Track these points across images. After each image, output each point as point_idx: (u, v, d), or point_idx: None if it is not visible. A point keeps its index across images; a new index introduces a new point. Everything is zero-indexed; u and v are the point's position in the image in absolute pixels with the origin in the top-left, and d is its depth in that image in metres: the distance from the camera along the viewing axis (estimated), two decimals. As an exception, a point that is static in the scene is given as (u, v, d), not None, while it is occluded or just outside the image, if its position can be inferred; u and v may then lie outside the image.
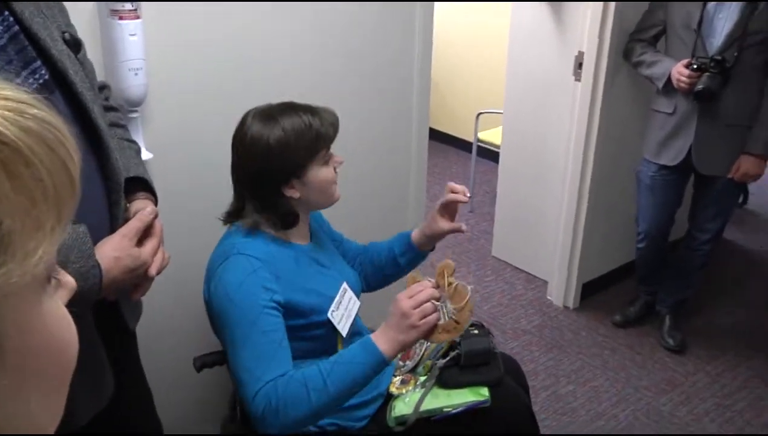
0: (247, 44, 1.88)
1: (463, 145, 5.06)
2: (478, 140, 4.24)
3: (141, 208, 1.21)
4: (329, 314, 1.57)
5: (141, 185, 1.30)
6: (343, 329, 1.60)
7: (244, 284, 1.44)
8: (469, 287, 1.50)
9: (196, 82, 1.81)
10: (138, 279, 1.18)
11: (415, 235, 1.81)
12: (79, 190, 0.42)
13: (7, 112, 0.38)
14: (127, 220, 1.19)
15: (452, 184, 1.72)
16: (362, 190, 2.29)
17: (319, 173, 1.53)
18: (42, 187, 0.39)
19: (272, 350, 1.42)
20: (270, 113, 1.50)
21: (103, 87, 1.42)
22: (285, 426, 1.40)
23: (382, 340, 1.42)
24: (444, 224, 1.74)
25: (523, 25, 3.30)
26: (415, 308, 1.41)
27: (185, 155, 1.85)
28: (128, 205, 1.24)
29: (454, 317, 1.47)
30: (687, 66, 2.54)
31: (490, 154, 4.42)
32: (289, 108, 1.51)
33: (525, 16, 3.28)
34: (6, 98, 0.39)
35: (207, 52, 1.80)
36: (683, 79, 2.54)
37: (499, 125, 3.70)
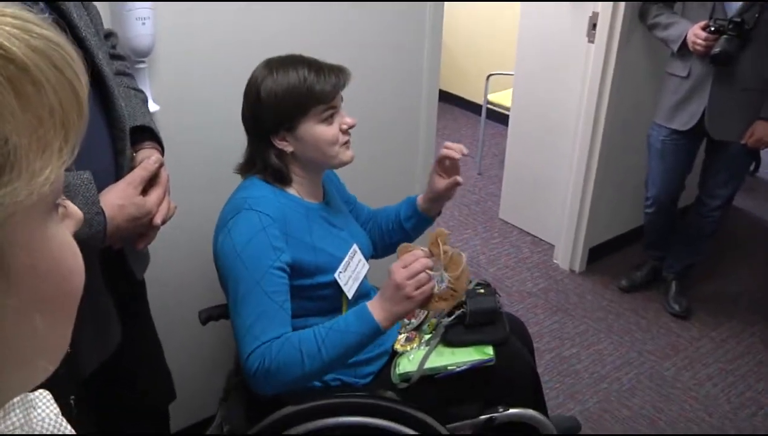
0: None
1: (472, 108, 5.01)
2: (488, 102, 4.19)
3: (146, 157, 1.20)
4: (336, 275, 1.56)
5: (147, 135, 1.29)
6: (350, 290, 1.59)
7: (253, 241, 1.44)
8: (464, 255, 1.47)
9: (205, 32, 1.78)
10: (143, 228, 1.18)
11: (420, 199, 1.80)
12: (87, 112, 0.42)
13: (14, 30, 0.38)
14: (132, 169, 1.18)
15: (447, 143, 1.70)
16: (371, 151, 2.27)
17: (315, 130, 1.50)
18: (49, 106, 0.38)
19: (273, 311, 1.42)
20: (272, 63, 1.50)
21: (109, 34, 1.39)
22: (275, 387, 1.42)
23: (378, 310, 1.41)
24: (440, 182, 1.72)
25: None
26: (409, 278, 1.39)
27: (193, 107, 1.83)
28: (134, 154, 1.23)
29: (450, 285, 1.46)
30: (704, 28, 2.49)
31: (499, 117, 4.37)
32: (293, 61, 1.49)
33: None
34: (13, 16, 0.39)
35: (217, 3, 1.77)
36: (699, 41, 2.49)
37: (510, 87, 3.65)
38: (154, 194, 1.18)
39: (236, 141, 1.58)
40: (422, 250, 1.46)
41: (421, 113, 2.40)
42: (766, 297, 3.17)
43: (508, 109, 3.77)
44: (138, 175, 1.15)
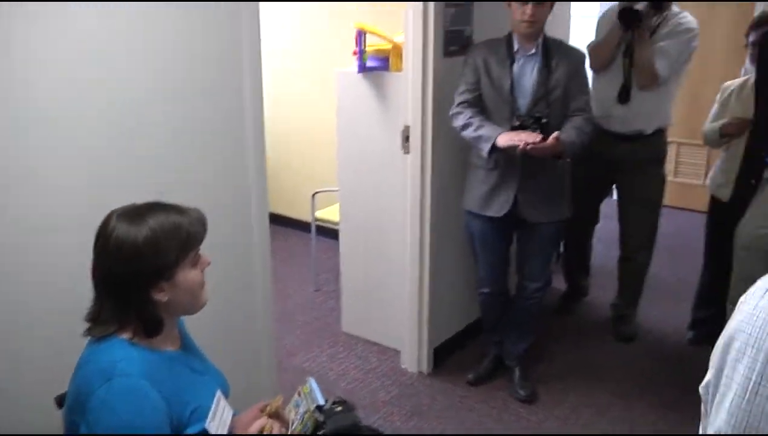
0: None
1: (302, 226, 5.07)
2: (316, 219, 4.27)
3: None
4: (207, 425, 1.49)
5: None
6: None
7: (143, 414, 1.35)
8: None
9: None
10: None
11: None
12: None
13: None
14: None
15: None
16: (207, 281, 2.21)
17: (189, 275, 1.46)
18: None
19: None
20: (136, 212, 1.43)
21: None
22: None
23: None
24: None
25: (349, 101, 3.43)
26: None
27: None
28: None
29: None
30: (513, 128, 2.74)
31: (329, 232, 4.46)
32: (156, 206, 1.45)
33: (349, 94, 3.41)
34: None
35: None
36: (524, 143, 2.66)
37: (336, 202, 3.76)
38: None
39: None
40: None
41: (253, 238, 2.39)
42: (596, 367, 3.40)
43: (336, 223, 3.87)
44: None
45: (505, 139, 2.73)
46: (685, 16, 3.34)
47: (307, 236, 4.61)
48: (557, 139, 2.67)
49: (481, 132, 2.83)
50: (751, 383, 0.51)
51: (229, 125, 2.23)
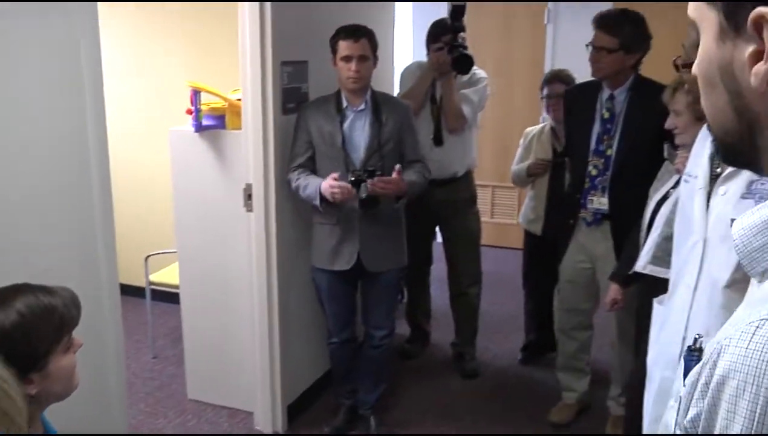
0: None
1: (132, 291, 4.78)
2: (151, 283, 4.07)
3: None
4: None
5: None
6: None
7: None
8: None
9: None
10: None
11: None
12: None
13: None
14: None
15: None
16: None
17: (62, 362, 1.35)
18: None
19: None
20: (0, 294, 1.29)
21: None
22: None
23: None
24: None
25: (185, 160, 3.34)
26: None
27: None
28: None
29: None
30: (349, 183, 2.82)
31: (165, 296, 4.26)
32: (21, 288, 1.32)
33: (185, 153, 3.33)
34: None
35: None
36: (336, 191, 2.76)
37: (171, 263, 3.61)
38: None
39: None
40: None
41: (104, 312, 2.26)
42: (452, 406, 3.54)
43: (172, 286, 3.72)
44: None
45: (325, 186, 2.80)
46: (477, 68, 3.67)
47: (136, 301, 4.37)
48: (399, 172, 2.81)
49: (308, 191, 2.90)
50: (757, 416, 0.58)
51: (75, 191, 2.13)
